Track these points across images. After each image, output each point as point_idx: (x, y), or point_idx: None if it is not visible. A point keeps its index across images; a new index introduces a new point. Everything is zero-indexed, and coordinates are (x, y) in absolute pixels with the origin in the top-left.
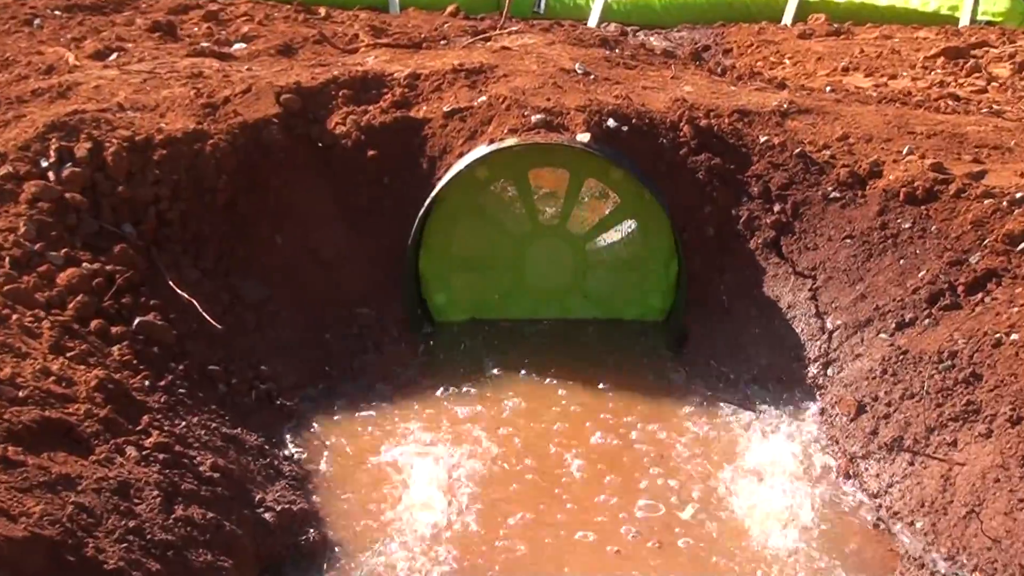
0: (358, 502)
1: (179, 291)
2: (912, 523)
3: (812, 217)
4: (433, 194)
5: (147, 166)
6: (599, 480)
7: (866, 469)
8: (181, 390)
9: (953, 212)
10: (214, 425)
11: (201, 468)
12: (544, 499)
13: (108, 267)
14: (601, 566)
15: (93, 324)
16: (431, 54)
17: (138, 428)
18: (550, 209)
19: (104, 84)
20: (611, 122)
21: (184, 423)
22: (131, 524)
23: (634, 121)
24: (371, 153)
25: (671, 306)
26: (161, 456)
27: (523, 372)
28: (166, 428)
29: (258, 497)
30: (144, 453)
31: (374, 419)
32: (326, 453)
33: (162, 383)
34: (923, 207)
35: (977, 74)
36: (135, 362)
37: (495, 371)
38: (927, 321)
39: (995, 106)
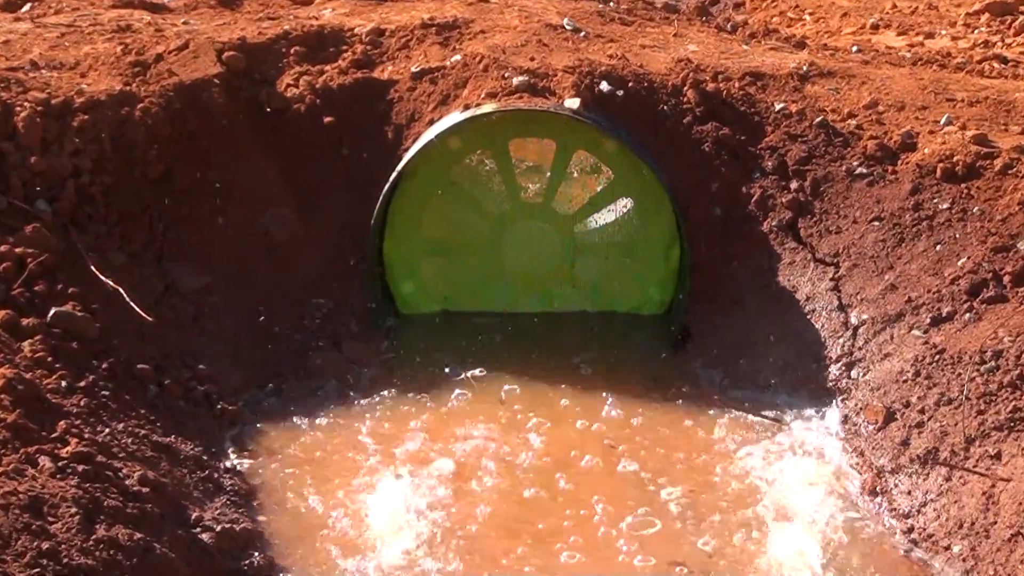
0: (310, 521)
1: (102, 278)
2: (949, 547)
3: (835, 196)
4: (399, 167)
5: (65, 133)
6: (595, 502)
7: (896, 485)
8: (104, 392)
9: (998, 191)
10: (143, 432)
11: (127, 482)
12: (527, 524)
13: (18, 249)
14: None
15: (0, 315)
16: (397, 6)
17: (53, 435)
18: (533, 185)
19: (15, 39)
20: (604, 86)
21: (108, 430)
22: (44, 546)
23: (631, 85)
24: (328, 120)
25: (672, 298)
26: (80, 468)
27: (500, 374)
28: (86, 436)
29: (194, 515)
30: (60, 464)
31: (330, 426)
32: (274, 465)
33: (82, 384)
34: (963, 185)
35: None
36: (50, 359)
37: (470, 372)
38: (967, 316)
39: None
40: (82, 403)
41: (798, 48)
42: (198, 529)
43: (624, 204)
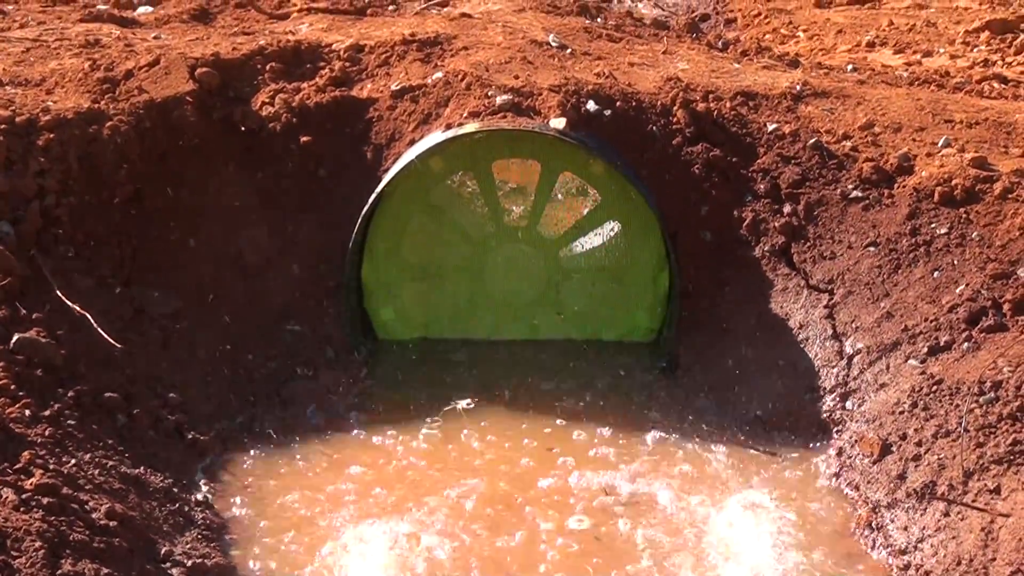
0: (284, 557)
1: (68, 302)
2: None
3: (829, 220)
4: (379, 189)
5: (30, 152)
6: (581, 555)
7: (892, 520)
8: (70, 422)
9: (998, 216)
10: (111, 464)
11: (94, 515)
12: (511, 568)
13: None
14: None
15: None
16: (377, 22)
17: (16, 467)
18: (517, 208)
19: None
20: (591, 105)
21: (74, 461)
22: None
23: (618, 104)
24: (304, 139)
25: (660, 325)
26: (45, 500)
27: (481, 405)
28: (51, 467)
29: (164, 550)
30: (24, 496)
31: (305, 458)
32: (247, 498)
33: (47, 413)
34: (962, 209)
35: None
36: (13, 387)
37: (450, 403)
38: (966, 345)
39: None
40: (47, 433)
41: (791, 67)
42: (168, 564)
43: (611, 228)
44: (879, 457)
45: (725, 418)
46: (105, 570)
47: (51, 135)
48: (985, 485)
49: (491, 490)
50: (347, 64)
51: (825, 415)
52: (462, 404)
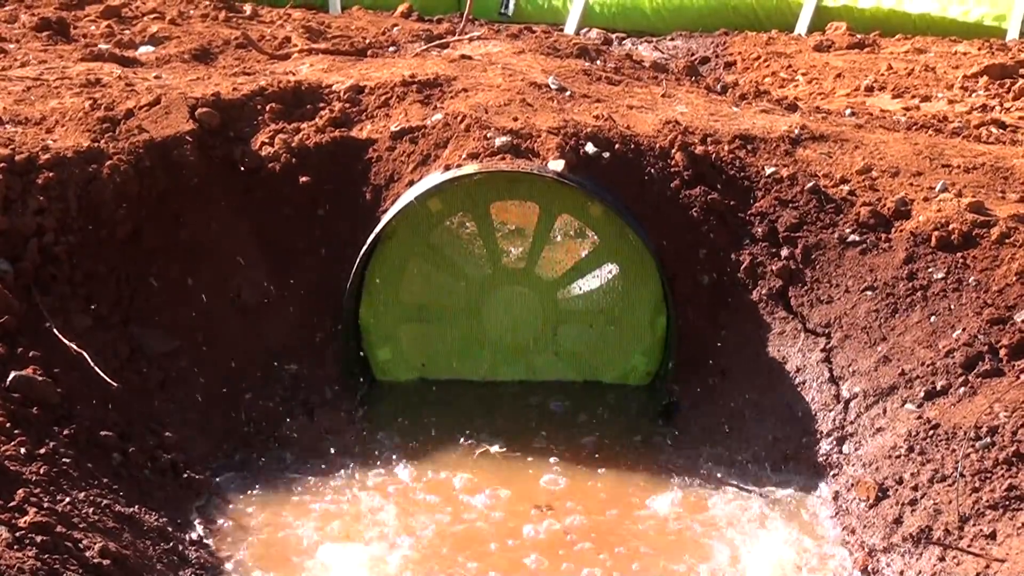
0: None
1: (66, 341)
2: None
3: (826, 264)
4: (377, 230)
5: (29, 191)
6: None
7: (887, 565)
8: (65, 460)
9: (995, 261)
10: (105, 502)
11: (88, 553)
12: None
13: None
14: None
15: None
16: (377, 63)
17: (11, 504)
18: (516, 250)
19: None
20: (590, 147)
21: (68, 499)
22: None
23: (617, 147)
24: (303, 180)
25: (658, 368)
26: (39, 538)
27: (480, 446)
28: (46, 505)
29: None
30: (18, 534)
31: (301, 498)
32: (242, 538)
33: (42, 451)
34: (959, 254)
35: None
36: (8, 425)
37: (446, 444)
38: (962, 390)
39: None
40: (42, 471)
41: (790, 110)
42: None
43: (609, 270)
44: (875, 501)
45: (722, 461)
46: None
47: (51, 174)
48: (981, 530)
49: (491, 540)
50: (347, 105)
51: (822, 459)
52: (495, 449)
